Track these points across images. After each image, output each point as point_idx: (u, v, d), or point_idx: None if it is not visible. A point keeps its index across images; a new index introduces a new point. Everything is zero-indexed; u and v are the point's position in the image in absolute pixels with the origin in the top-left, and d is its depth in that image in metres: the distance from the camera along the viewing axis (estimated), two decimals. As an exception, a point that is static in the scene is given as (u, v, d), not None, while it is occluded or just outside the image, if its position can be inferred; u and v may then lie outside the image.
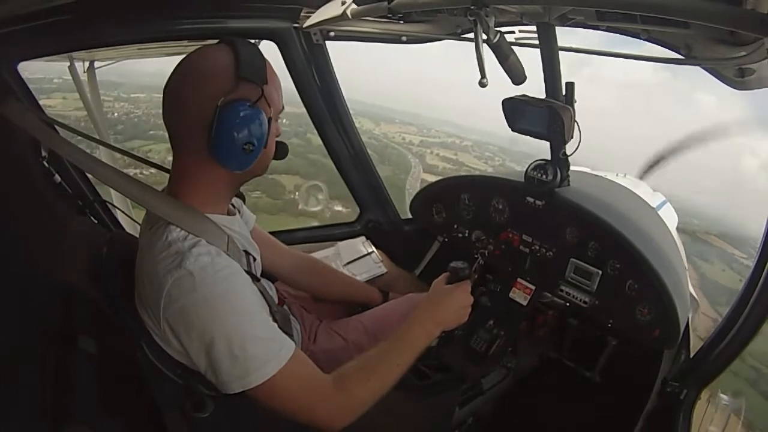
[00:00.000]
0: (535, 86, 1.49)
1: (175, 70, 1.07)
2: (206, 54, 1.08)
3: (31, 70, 1.56)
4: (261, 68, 1.07)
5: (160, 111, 1.09)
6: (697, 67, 1.36)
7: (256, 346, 1.02)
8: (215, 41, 1.12)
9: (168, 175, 1.17)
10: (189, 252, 1.00)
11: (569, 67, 1.50)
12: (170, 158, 1.15)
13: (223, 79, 1.03)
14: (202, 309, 0.99)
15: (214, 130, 1.02)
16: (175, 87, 1.07)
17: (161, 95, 1.08)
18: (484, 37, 1.21)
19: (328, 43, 1.95)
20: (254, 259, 1.27)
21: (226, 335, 0.99)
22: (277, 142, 1.21)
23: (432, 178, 2.32)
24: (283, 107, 1.19)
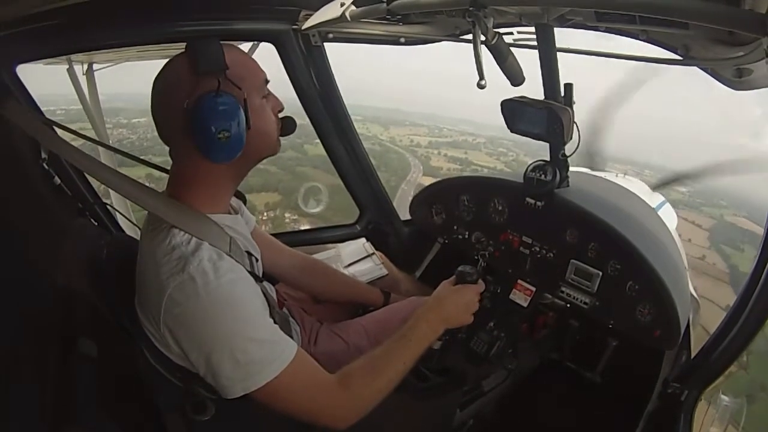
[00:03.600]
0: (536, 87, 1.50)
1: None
2: (168, 66, 1.10)
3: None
4: (216, 57, 1.06)
5: (155, 135, 1.13)
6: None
7: (258, 349, 1.01)
8: None
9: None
10: (192, 256, 1.00)
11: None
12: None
13: (183, 83, 1.05)
14: (204, 314, 0.99)
15: (191, 132, 1.04)
16: (153, 105, 1.11)
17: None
18: (483, 38, 1.21)
19: (327, 45, 1.96)
20: (256, 260, 1.27)
21: (227, 340, 0.99)
22: (283, 117, 1.22)
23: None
24: (267, 80, 1.17)
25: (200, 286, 0.98)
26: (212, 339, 0.99)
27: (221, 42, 1.09)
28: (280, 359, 1.04)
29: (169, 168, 1.18)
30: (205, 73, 1.04)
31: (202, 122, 1.03)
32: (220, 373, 1.00)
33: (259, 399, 1.03)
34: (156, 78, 1.10)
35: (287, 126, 1.24)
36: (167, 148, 1.15)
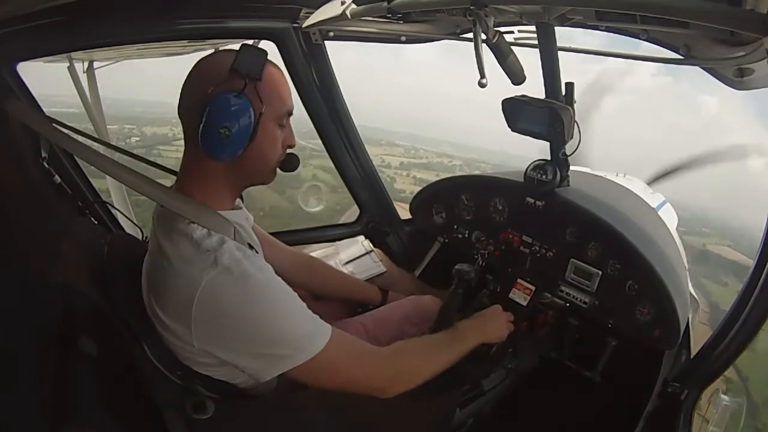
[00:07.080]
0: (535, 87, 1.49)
1: None
2: (214, 54, 1.13)
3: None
4: (256, 64, 1.08)
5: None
6: (699, 70, 1.36)
7: (303, 323, 1.08)
8: (215, 41, 1.13)
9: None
10: (220, 249, 1.03)
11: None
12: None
13: (218, 73, 1.06)
14: (246, 300, 1.01)
15: (201, 118, 1.05)
16: (184, 84, 1.12)
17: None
18: (483, 37, 1.21)
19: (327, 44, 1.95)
20: (257, 253, 1.27)
21: (273, 320, 1.04)
22: (289, 153, 1.22)
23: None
24: (290, 113, 1.18)
25: (237, 276, 1.00)
26: (260, 322, 1.02)
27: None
28: (323, 332, 1.09)
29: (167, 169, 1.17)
30: (238, 73, 1.05)
31: (212, 113, 1.04)
32: (270, 352, 1.04)
33: (306, 374, 1.09)
34: (203, 58, 1.13)
35: (290, 162, 1.24)
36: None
